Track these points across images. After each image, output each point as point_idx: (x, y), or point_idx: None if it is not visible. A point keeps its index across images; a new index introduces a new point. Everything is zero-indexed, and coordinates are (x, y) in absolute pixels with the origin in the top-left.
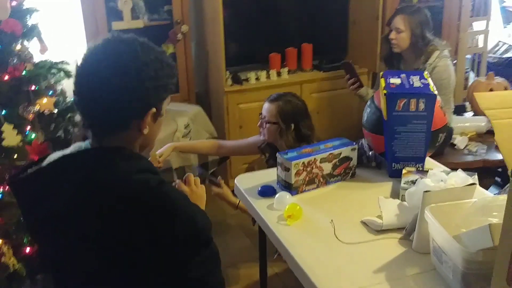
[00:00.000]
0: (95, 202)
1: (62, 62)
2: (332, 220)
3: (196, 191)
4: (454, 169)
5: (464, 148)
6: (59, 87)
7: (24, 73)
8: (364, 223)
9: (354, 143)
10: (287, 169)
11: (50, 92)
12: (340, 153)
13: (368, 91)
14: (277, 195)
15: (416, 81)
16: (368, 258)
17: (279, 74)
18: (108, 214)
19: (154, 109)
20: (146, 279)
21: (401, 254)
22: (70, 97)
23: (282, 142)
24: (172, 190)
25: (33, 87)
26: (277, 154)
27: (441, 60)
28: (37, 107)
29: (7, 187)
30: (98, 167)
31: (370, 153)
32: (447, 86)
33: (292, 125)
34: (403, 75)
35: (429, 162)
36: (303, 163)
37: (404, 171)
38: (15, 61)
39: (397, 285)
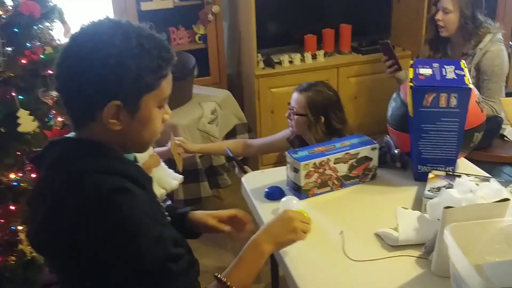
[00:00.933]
0: (45, 199)
1: None
2: (342, 231)
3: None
4: (485, 177)
5: None
6: None
7: (42, 56)
8: (378, 236)
9: (375, 142)
10: (296, 170)
11: None
12: (358, 153)
13: (407, 75)
14: (283, 200)
15: (450, 72)
16: (378, 279)
17: (314, 57)
18: (53, 214)
19: (117, 102)
20: None
21: (418, 277)
22: None
23: (310, 135)
24: (130, 203)
25: (49, 71)
26: (285, 152)
27: (494, 44)
28: (55, 92)
29: (23, 173)
30: (56, 160)
31: (396, 151)
32: (500, 73)
33: (322, 118)
34: (435, 65)
35: (463, 164)
36: (315, 163)
37: (430, 175)
38: (36, 43)
39: None
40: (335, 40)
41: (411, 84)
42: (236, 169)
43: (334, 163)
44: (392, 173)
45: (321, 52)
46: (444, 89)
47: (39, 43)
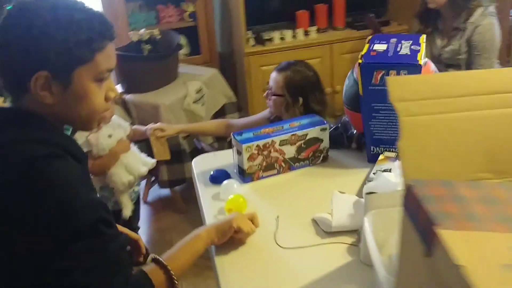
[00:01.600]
0: None
1: None
2: (278, 217)
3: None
4: None
5: None
6: None
7: None
8: (315, 222)
9: (326, 123)
10: (239, 153)
11: None
12: (307, 134)
13: None
14: (223, 183)
15: (405, 48)
16: (304, 267)
17: (306, 33)
18: None
19: (44, 73)
20: (14, 263)
21: (347, 265)
22: None
23: (288, 116)
24: (62, 168)
25: None
26: (231, 134)
27: (485, 18)
28: None
29: None
30: None
31: (355, 132)
32: (491, 48)
33: (300, 99)
34: (393, 40)
35: None
36: (258, 146)
37: (381, 156)
38: None
39: None
40: (328, 15)
41: (360, 61)
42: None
43: (280, 145)
44: (347, 155)
45: (314, 28)
46: (393, 66)
47: None
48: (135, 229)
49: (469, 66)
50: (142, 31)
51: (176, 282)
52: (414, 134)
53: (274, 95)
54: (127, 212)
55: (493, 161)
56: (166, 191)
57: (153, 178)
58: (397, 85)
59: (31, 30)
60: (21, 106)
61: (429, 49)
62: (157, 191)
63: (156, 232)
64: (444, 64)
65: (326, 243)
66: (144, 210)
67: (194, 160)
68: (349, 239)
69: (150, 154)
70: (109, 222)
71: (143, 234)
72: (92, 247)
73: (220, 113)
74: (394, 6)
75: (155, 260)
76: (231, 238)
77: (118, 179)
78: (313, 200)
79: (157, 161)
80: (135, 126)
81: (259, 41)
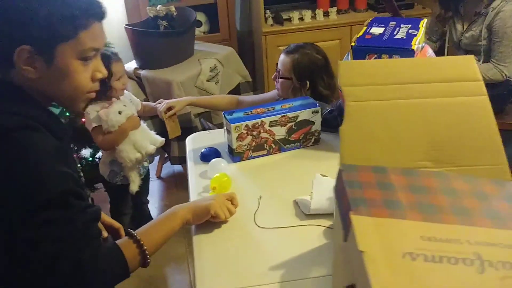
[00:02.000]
0: None
1: None
2: (260, 197)
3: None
4: None
5: None
6: None
7: None
8: (296, 203)
9: (318, 105)
10: (229, 132)
11: None
12: (297, 116)
13: None
14: (211, 162)
15: (402, 32)
16: (277, 249)
17: (326, 14)
18: None
19: (27, 47)
20: None
21: (319, 248)
22: None
23: None
24: (37, 140)
25: None
26: (223, 113)
27: (508, 4)
28: None
29: None
30: None
31: None
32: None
33: (308, 83)
34: (392, 23)
35: None
36: (247, 126)
37: None
38: None
39: None
40: None
41: (352, 44)
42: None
43: (270, 126)
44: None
45: (334, 9)
46: (386, 50)
47: None
48: (144, 203)
49: (488, 52)
50: (159, 7)
51: (149, 257)
52: (358, 119)
53: (281, 77)
54: (134, 187)
55: (434, 150)
56: (179, 168)
57: (166, 155)
58: (348, 69)
59: (17, 3)
60: (6, 79)
61: (449, 34)
62: (171, 167)
63: (166, 207)
64: (464, 50)
65: (303, 225)
66: (156, 185)
67: (188, 137)
68: (326, 222)
69: (160, 131)
70: (79, 194)
71: (154, 208)
72: (60, 218)
73: (234, 92)
74: None
75: (129, 234)
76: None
77: (126, 155)
78: (298, 182)
79: (168, 139)
80: (145, 102)
81: (278, 20)
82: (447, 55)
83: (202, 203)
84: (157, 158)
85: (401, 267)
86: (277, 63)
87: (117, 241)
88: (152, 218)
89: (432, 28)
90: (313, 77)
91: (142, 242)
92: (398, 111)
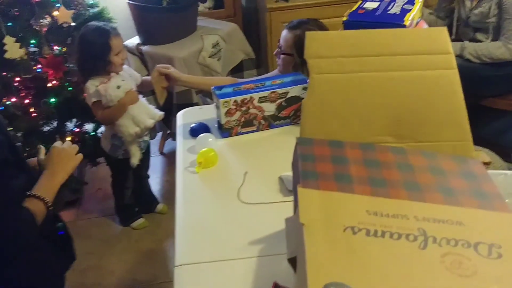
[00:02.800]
0: None
1: None
2: (246, 172)
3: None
4: None
5: None
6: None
7: None
8: (282, 180)
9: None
10: (217, 107)
11: (58, 5)
12: (288, 92)
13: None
14: (199, 136)
15: (396, 7)
16: (258, 224)
17: None
18: None
19: None
20: None
21: None
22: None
23: None
24: None
25: None
26: (212, 88)
27: None
28: (47, 20)
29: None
30: None
31: None
32: None
33: None
34: None
35: None
36: (235, 101)
37: None
38: None
39: (268, 263)
40: None
41: (344, 19)
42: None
43: (259, 102)
44: None
45: None
46: (377, 25)
47: None
48: (144, 177)
49: (497, 30)
50: None
51: (50, 205)
52: (321, 92)
53: (283, 53)
54: (135, 160)
55: (396, 125)
56: None
57: (168, 131)
58: (315, 41)
59: None
60: None
61: (458, 11)
62: (173, 144)
63: (167, 183)
64: (472, 27)
65: (287, 201)
66: (159, 161)
67: (179, 113)
68: None
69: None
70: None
71: (155, 184)
72: None
73: (237, 69)
74: None
75: (30, 195)
76: None
77: (125, 129)
78: (285, 159)
79: (168, 114)
80: (144, 77)
81: None
82: (456, 32)
83: (53, 162)
84: (159, 134)
85: (340, 241)
86: (279, 39)
87: (23, 204)
88: (152, 193)
89: (440, 4)
90: None
91: (41, 196)
92: (361, 85)
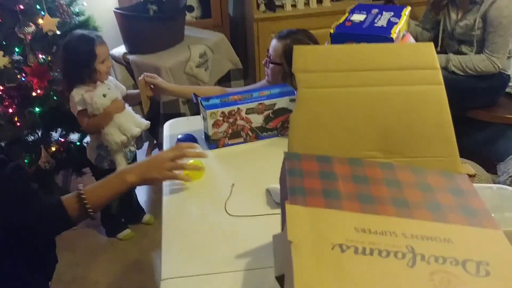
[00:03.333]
0: None
1: None
2: (233, 184)
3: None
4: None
5: None
6: (74, 8)
7: None
8: (269, 192)
9: (295, 93)
10: (204, 119)
11: (42, 13)
12: (275, 104)
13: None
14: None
15: (383, 19)
16: (245, 236)
17: (320, 1)
18: None
19: None
20: None
21: None
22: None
23: None
24: None
25: (21, 6)
26: (199, 99)
27: None
28: (31, 29)
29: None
30: None
31: None
32: (507, 26)
33: None
34: (375, 10)
35: None
36: (223, 112)
37: None
38: None
39: (256, 277)
40: None
41: (331, 31)
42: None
43: (247, 114)
44: None
45: None
46: (364, 38)
47: None
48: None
49: (482, 43)
50: None
51: (91, 210)
52: (309, 106)
53: (272, 63)
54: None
55: (384, 140)
56: None
57: (155, 141)
58: (303, 55)
59: None
60: None
61: (443, 23)
62: None
63: (154, 194)
64: (457, 40)
65: (274, 214)
66: None
67: (166, 123)
68: None
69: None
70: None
71: (142, 195)
72: None
73: (225, 79)
74: None
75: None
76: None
77: (111, 138)
78: (273, 171)
79: (155, 124)
80: (130, 91)
81: (270, 7)
82: (441, 45)
83: (147, 160)
84: (146, 144)
85: (328, 259)
86: (268, 49)
87: (62, 197)
88: (139, 203)
89: (426, 15)
90: None
91: (84, 196)
92: (349, 99)
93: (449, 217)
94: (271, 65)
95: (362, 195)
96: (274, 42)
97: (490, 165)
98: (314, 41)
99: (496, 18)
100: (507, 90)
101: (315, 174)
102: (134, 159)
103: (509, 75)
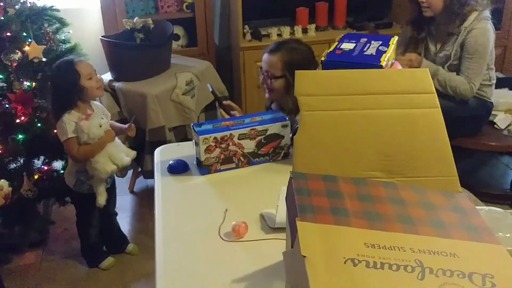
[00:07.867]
0: None
1: (51, 8)
2: (226, 210)
3: None
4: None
5: (505, 128)
6: (61, 35)
7: (1, 18)
8: (263, 217)
9: (287, 119)
10: (197, 144)
11: (29, 40)
12: (267, 130)
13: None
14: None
15: (372, 48)
16: (240, 262)
17: (305, 31)
18: None
19: None
20: None
21: (282, 263)
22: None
23: (288, 98)
24: None
25: (8, 34)
26: (191, 125)
27: (480, 22)
28: (17, 56)
29: None
30: None
31: None
32: (483, 53)
33: None
34: (363, 40)
35: None
36: (215, 138)
37: None
38: None
39: None
40: (329, 14)
41: (322, 59)
42: (219, 112)
43: (239, 139)
44: None
45: (313, 26)
46: (355, 65)
47: (1, 3)
48: (112, 214)
49: (458, 69)
50: (136, 19)
51: None
52: (312, 128)
53: (273, 78)
54: (102, 200)
55: (385, 160)
56: (152, 182)
57: (139, 169)
58: (305, 79)
59: None
60: None
61: (424, 55)
62: (144, 182)
63: (138, 222)
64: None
65: (269, 239)
66: (129, 200)
67: (157, 149)
68: None
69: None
70: None
71: (125, 223)
72: None
73: (211, 107)
74: (399, 9)
75: None
76: None
77: (101, 167)
78: (266, 196)
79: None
80: (111, 122)
81: (256, 36)
82: None
83: None
84: (130, 172)
85: (342, 273)
86: (261, 67)
87: None
88: (121, 232)
89: (407, 46)
90: (307, 68)
91: None
92: (350, 122)
93: (453, 233)
94: (273, 80)
95: (369, 213)
96: (267, 57)
97: (475, 192)
98: (305, 45)
99: (472, 45)
100: (490, 118)
101: (322, 193)
102: (112, 184)
103: (492, 103)
